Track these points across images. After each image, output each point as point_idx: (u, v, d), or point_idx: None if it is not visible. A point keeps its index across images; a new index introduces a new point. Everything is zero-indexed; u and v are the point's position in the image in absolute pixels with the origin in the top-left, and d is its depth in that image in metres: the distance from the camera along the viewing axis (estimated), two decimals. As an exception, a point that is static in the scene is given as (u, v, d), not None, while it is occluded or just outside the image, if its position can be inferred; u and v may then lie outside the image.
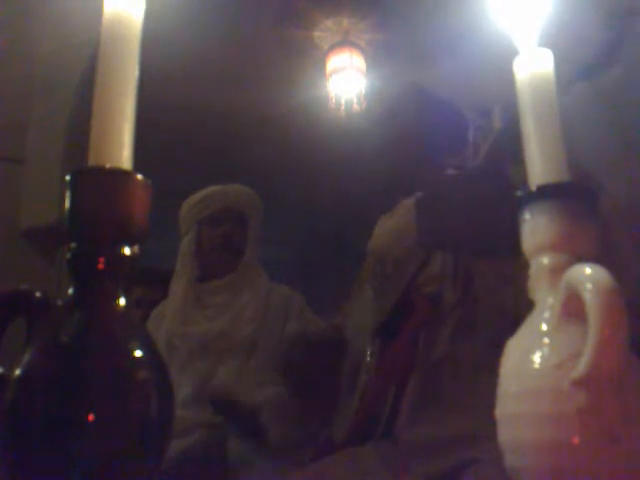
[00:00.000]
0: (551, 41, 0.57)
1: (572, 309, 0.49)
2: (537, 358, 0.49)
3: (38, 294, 0.55)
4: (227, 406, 1.69)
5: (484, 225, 0.92)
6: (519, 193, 0.55)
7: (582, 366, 0.46)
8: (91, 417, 0.47)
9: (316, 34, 3.21)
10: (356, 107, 3.23)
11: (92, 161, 0.53)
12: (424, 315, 1.14)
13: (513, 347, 0.53)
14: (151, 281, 2.52)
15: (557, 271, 0.51)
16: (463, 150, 1.11)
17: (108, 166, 0.53)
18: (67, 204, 0.53)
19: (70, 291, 0.53)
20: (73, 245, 0.52)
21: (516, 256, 0.56)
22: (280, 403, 1.70)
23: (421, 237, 1.04)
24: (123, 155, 0.54)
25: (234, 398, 1.70)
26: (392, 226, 1.32)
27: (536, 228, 0.54)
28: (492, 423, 0.52)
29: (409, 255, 1.21)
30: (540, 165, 0.55)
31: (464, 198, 0.98)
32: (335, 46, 3.23)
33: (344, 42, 3.22)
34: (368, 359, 1.24)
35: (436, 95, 1.34)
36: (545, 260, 0.53)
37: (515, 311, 0.57)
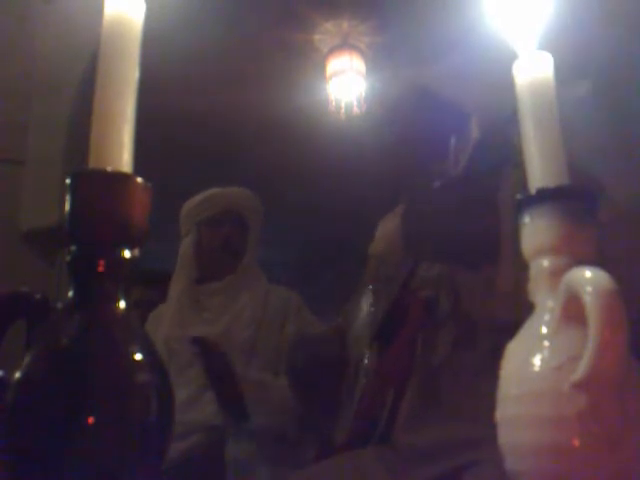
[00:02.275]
0: (552, 45, 0.57)
1: (572, 312, 0.49)
2: (537, 361, 0.49)
3: (38, 296, 0.55)
4: (204, 343, 1.70)
5: (462, 235, 0.93)
6: (519, 196, 0.55)
7: (582, 369, 0.46)
8: (91, 420, 0.47)
9: (316, 37, 3.21)
10: (356, 110, 3.23)
11: (92, 163, 0.53)
12: (418, 319, 1.14)
13: (513, 350, 0.53)
14: (150, 282, 2.52)
15: (557, 274, 0.51)
16: (446, 158, 1.12)
17: (108, 169, 0.53)
18: (67, 206, 0.52)
19: (70, 293, 0.52)
20: (73, 247, 0.52)
21: (497, 264, 0.56)
22: (267, 387, 1.71)
23: (407, 247, 1.05)
24: (123, 157, 0.53)
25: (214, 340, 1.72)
26: (392, 229, 1.32)
27: (536, 231, 0.54)
28: (492, 426, 0.52)
29: (404, 259, 1.21)
30: (540, 168, 0.55)
31: (445, 209, 0.99)
32: (335, 49, 3.23)
33: (344, 45, 3.22)
34: (366, 362, 1.24)
35: (439, 95, 1.33)
36: (545, 263, 0.53)
37: (508, 317, 0.57)
